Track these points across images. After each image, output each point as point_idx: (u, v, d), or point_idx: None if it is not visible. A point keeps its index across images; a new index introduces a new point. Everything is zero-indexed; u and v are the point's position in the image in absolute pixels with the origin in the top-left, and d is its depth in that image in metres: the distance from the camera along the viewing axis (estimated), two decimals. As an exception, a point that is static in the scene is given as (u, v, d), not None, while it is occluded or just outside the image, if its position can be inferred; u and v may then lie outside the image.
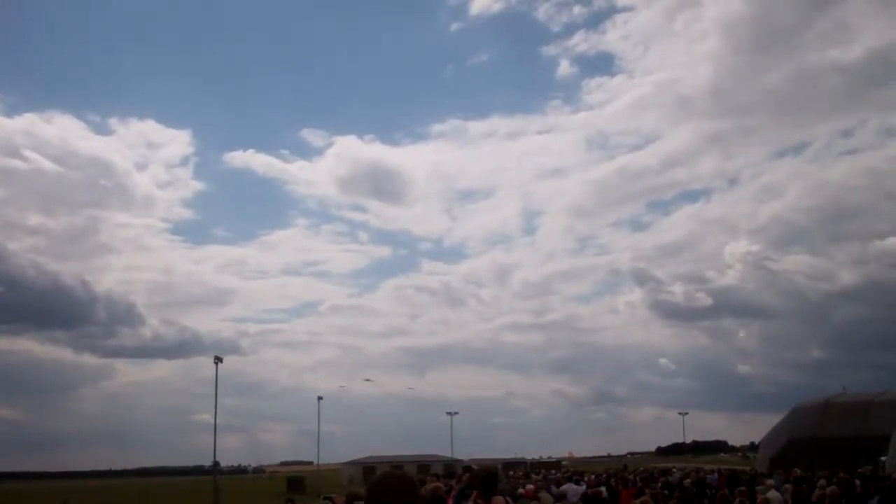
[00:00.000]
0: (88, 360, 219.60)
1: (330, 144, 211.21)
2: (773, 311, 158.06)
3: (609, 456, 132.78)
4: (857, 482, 17.82)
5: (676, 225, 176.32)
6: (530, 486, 15.61)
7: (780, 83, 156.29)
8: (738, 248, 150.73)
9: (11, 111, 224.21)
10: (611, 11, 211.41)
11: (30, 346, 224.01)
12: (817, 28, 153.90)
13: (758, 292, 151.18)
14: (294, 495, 40.65)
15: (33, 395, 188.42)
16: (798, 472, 23.14)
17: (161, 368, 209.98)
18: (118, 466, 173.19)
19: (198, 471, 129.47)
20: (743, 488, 14.35)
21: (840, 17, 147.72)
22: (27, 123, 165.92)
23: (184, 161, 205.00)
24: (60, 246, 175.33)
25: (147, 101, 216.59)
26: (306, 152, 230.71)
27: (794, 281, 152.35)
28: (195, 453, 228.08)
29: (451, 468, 45.18)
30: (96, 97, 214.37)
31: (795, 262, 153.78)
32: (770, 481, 17.81)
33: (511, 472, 40.99)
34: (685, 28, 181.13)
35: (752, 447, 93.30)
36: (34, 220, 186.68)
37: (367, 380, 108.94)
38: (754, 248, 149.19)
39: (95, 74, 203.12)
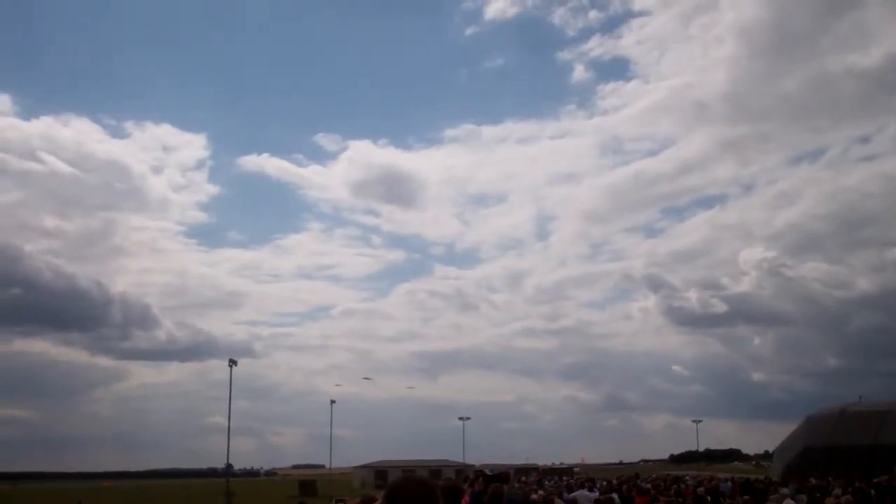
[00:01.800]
0: (103, 361, 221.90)
1: (344, 149, 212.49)
2: (789, 319, 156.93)
3: (621, 463, 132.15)
4: (873, 492, 17.67)
5: (691, 231, 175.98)
6: (541, 493, 15.59)
7: (797, 89, 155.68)
8: (754, 254, 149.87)
9: (28, 114, 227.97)
10: (627, 16, 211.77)
11: (45, 348, 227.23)
12: (835, 33, 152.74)
13: (773, 299, 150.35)
14: (306, 498, 40.76)
15: (48, 396, 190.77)
16: (813, 481, 22.90)
17: (175, 371, 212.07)
18: (131, 468, 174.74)
19: (210, 473, 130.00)
20: (747, 497, 14.25)
21: (858, 22, 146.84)
22: (44, 126, 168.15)
23: (199, 165, 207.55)
24: (76, 248, 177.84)
25: (163, 104, 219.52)
26: (320, 157, 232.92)
27: (810, 288, 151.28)
28: (208, 456, 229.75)
29: (462, 473, 45.11)
30: (112, 100, 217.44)
31: (811, 269, 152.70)
32: (784, 490, 17.64)
33: (523, 478, 40.93)
34: (701, 33, 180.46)
35: (766, 455, 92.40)
36: (50, 222, 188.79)
37: (367, 378, 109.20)
38: (770, 254, 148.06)
39: (112, 78, 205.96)
